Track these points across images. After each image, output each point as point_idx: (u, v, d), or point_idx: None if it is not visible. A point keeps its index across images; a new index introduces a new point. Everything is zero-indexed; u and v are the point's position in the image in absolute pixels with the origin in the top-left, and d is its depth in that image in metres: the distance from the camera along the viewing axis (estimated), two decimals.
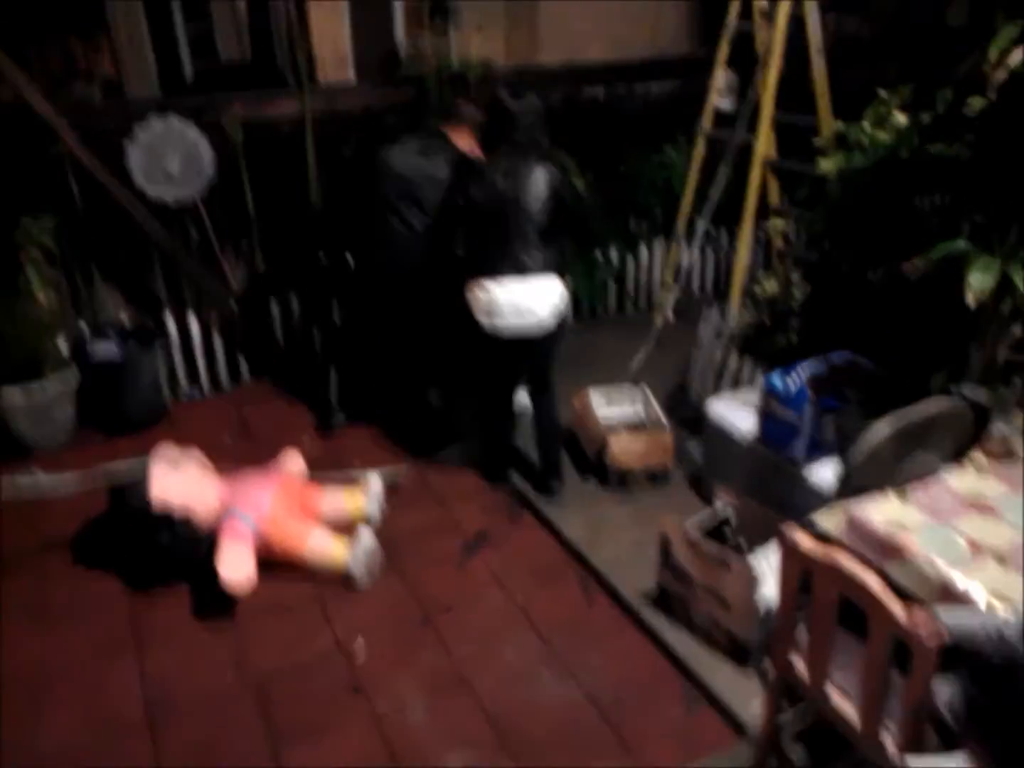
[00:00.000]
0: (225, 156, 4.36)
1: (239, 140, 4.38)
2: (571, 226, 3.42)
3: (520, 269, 3.27)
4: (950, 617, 1.91)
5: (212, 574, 2.99)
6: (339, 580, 3.19)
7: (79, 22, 7.99)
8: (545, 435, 3.66)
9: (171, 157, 4.23)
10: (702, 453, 3.64)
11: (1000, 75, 2.68)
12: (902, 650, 1.93)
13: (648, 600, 3.04)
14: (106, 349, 4.18)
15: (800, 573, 2.17)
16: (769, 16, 4.56)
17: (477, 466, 3.88)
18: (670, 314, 4.82)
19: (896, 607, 1.89)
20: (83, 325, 4.31)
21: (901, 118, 3.39)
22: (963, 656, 1.90)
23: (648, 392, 3.98)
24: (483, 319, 3.33)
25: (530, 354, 3.45)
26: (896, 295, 3.31)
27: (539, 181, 3.26)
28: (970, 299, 2.56)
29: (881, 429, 2.43)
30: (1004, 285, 2.68)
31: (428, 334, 3.95)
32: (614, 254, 5.25)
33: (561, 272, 3.40)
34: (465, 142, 3.72)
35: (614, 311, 5.44)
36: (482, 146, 3.35)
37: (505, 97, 3.27)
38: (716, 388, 4.01)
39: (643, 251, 5.37)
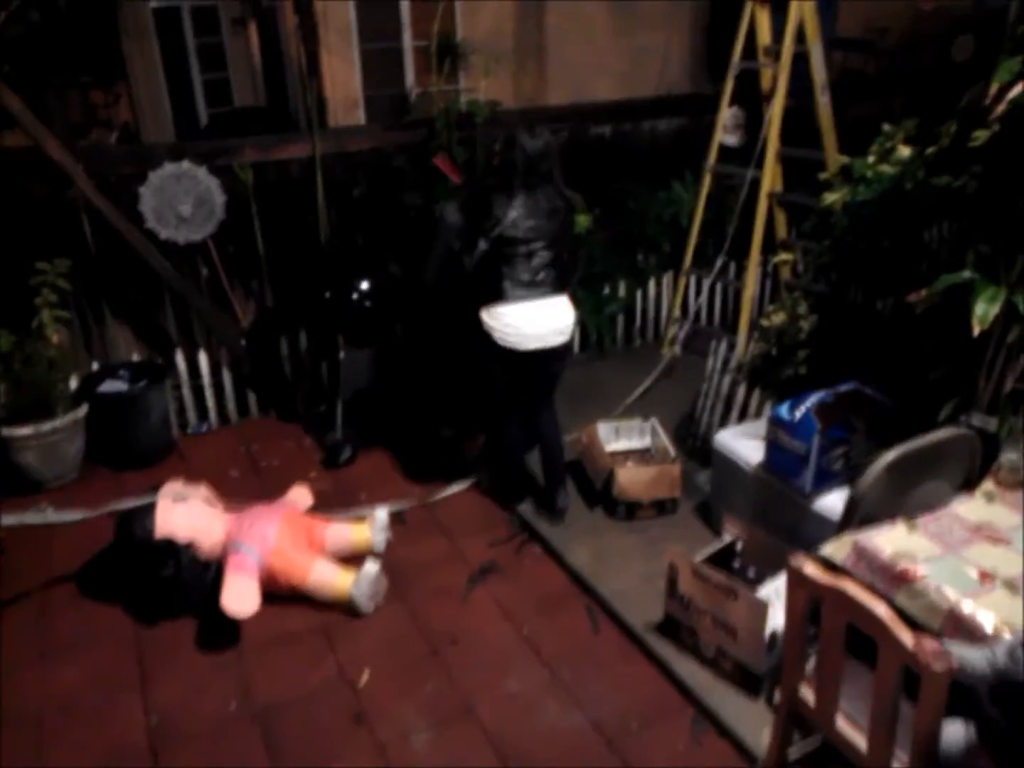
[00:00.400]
0: (236, 197, 4.43)
1: (249, 182, 4.46)
2: (571, 255, 3.61)
3: (539, 293, 3.41)
4: (957, 649, 1.88)
5: (217, 606, 2.98)
6: (343, 611, 3.18)
7: (99, 72, 8.23)
8: (551, 453, 3.70)
9: (183, 200, 4.31)
10: (710, 484, 3.62)
11: (1000, 108, 2.70)
12: (911, 678, 1.91)
13: (655, 629, 3.01)
14: (116, 386, 4.23)
15: (807, 601, 2.15)
16: (773, 55, 4.64)
17: (493, 492, 3.91)
18: (678, 348, 4.85)
19: (905, 635, 1.86)
20: (94, 363, 4.36)
21: (905, 151, 3.42)
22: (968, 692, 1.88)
23: (657, 425, 3.98)
24: (503, 341, 3.41)
25: (545, 368, 3.55)
26: (904, 326, 3.31)
27: (553, 211, 3.43)
28: (975, 328, 2.56)
29: (887, 457, 2.42)
30: (1010, 314, 2.68)
31: (443, 364, 3.99)
32: (622, 288, 5.28)
33: (570, 290, 3.58)
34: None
35: (622, 344, 5.45)
36: (500, 180, 3.44)
37: (522, 136, 3.41)
38: (724, 420, 4.00)
39: (651, 285, 5.40)
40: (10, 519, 3.41)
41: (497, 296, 3.39)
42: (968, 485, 2.61)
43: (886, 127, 3.54)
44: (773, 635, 2.65)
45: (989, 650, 1.90)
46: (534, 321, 3.38)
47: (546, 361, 3.48)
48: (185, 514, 3.23)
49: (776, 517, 3.13)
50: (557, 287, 3.46)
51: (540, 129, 3.49)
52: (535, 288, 3.40)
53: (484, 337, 3.44)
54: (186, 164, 4.27)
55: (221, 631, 3.08)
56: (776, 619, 2.62)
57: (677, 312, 5.26)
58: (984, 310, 2.50)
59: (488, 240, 3.38)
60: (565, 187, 3.56)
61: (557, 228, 3.45)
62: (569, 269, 3.61)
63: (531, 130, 3.45)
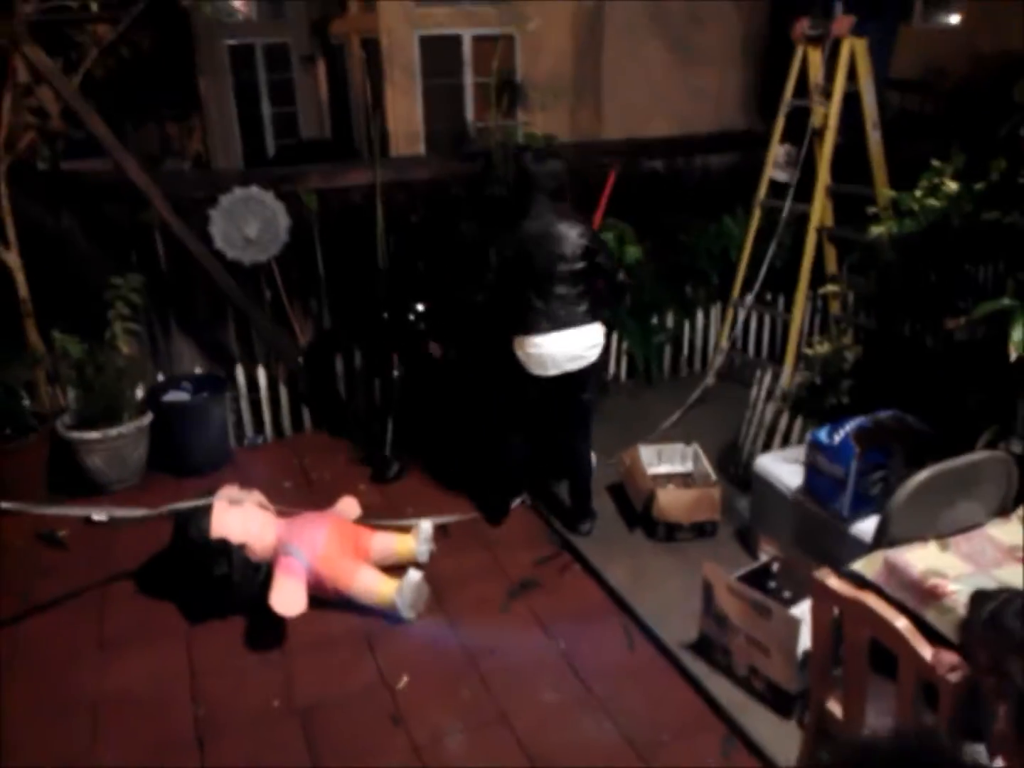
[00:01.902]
0: (300, 222, 4.65)
1: (313, 208, 4.67)
2: (604, 277, 3.56)
3: (562, 324, 3.43)
4: None
5: (266, 606, 3.11)
6: (385, 617, 3.28)
7: (176, 105, 8.66)
8: (580, 473, 3.77)
9: (250, 223, 4.52)
10: (750, 508, 3.65)
11: None
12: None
13: (689, 647, 3.05)
14: (179, 396, 4.44)
15: (832, 614, 2.19)
16: (825, 93, 4.72)
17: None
18: (711, 378, 4.90)
19: (922, 647, 1.89)
20: (160, 374, 4.58)
21: (953, 186, 3.46)
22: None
23: (699, 450, 4.02)
24: (532, 370, 3.49)
25: (568, 393, 3.59)
26: (945, 356, 3.34)
27: (567, 237, 3.40)
28: (1012, 353, 2.58)
29: (921, 475, 2.45)
30: None
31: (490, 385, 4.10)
32: (670, 318, 5.36)
33: (601, 317, 3.57)
34: None
35: (669, 373, 5.51)
36: (511, 209, 3.53)
37: (528, 162, 3.45)
38: (767, 448, 4.03)
39: (699, 316, 5.47)
40: (77, 511, 3.59)
41: (519, 328, 3.46)
42: (1004, 509, 2.61)
43: (935, 163, 3.59)
44: (806, 655, 2.67)
45: None
46: (552, 349, 3.43)
47: (567, 386, 3.54)
48: (239, 517, 3.37)
49: (814, 541, 3.16)
50: (582, 316, 3.46)
51: (544, 154, 3.56)
52: (555, 320, 3.41)
53: (511, 360, 3.54)
54: (254, 189, 4.49)
55: (268, 630, 3.20)
56: (809, 639, 2.65)
57: (724, 343, 5.31)
58: (1022, 336, 2.53)
59: (496, 269, 3.45)
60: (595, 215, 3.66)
61: (579, 251, 3.41)
62: (607, 293, 3.63)
63: (537, 154, 3.52)
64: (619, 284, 3.67)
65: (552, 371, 3.48)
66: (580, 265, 3.42)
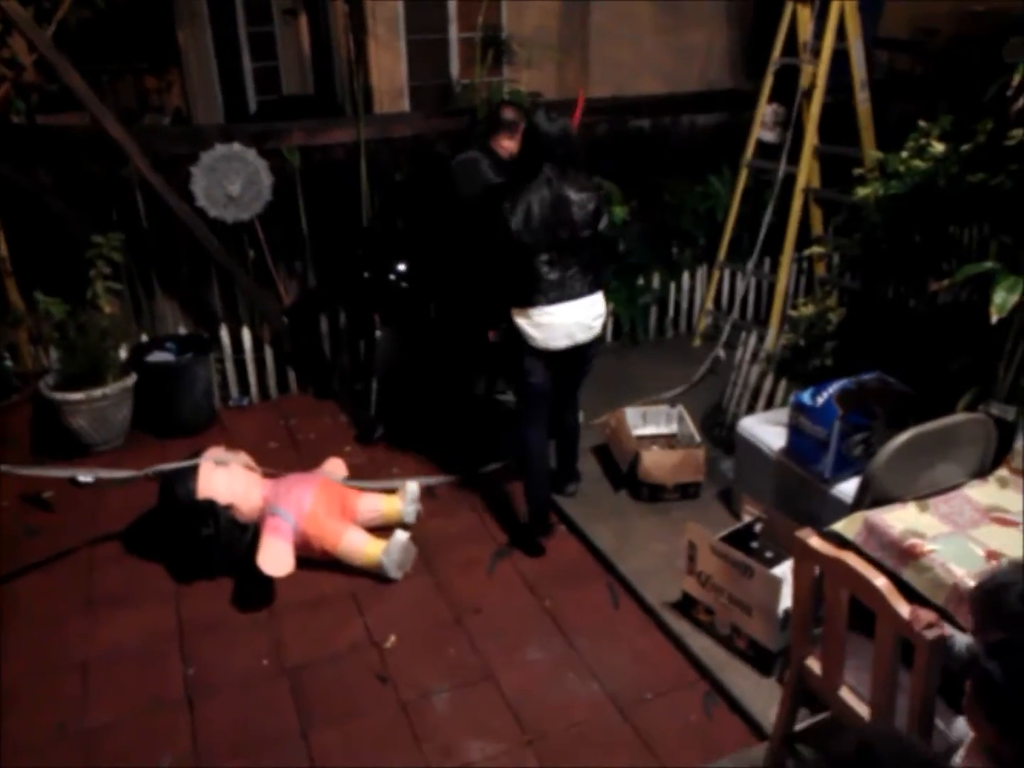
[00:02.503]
0: (283, 179, 4.58)
1: (297, 165, 4.60)
2: (604, 245, 3.41)
3: (572, 294, 3.27)
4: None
5: (253, 567, 3.12)
6: (373, 577, 3.31)
7: (153, 58, 8.46)
8: (568, 438, 3.73)
9: (233, 180, 4.46)
10: (734, 469, 3.69)
11: (1021, 102, 2.74)
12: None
13: (673, 607, 3.10)
14: (163, 357, 4.41)
15: (813, 573, 2.23)
16: (813, 52, 4.68)
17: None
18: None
19: (901, 605, 1.93)
20: (143, 335, 4.54)
21: (939, 147, 3.45)
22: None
23: (684, 411, 4.05)
24: (537, 342, 3.28)
25: (573, 364, 3.45)
26: (928, 318, 3.36)
27: (579, 203, 3.22)
28: (993, 315, 2.61)
29: (902, 437, 2.48)
30: None
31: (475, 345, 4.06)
32: (656, 280, 5.35)
33: (602, 285, 3.43)
34: (505, 147, 3.85)
35: (654, 334, 5.52)
36: (520, 171, 3.27)
37: (540, 120, 3.21)
38: (751, 410, 4.06)
39: (685, 277, 5.46)
40: (62, 472, 3.58)
41: (525, 299, 3.25)
42: (982, 471, 2.66)
43: (922, 123, 3.57)
44: (787, 614, 2.72)
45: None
46: (563, 319, 3.26)
47: (574, 357, 3.39)
48: (226, 478, 3.37)
49: (796, 502, 3.20)
50: (590, 286, 3.31)
51: (556, 114, 3.28)
52: (565, 289, 3.24)
53: (514, 334, 3.33)
54: (236, 146, 4.42)
55: (256, 591, 3.23)
56: (790, 598, 2.70)
57: (710, 305, 5.31)
58: (1003, 299, 2.55)
59: (503, 235, 3.19)
60: (592, 176, 3.47)
61: (588, 218, 3.24)
62: (603, 262, 3.49)
63: (547, 113, 3.26)
64: (617, 252, 3.58)
65: (563, 343, 3.29)
66: (587, 232, 3.25)
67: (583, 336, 3.32)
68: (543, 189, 3.18)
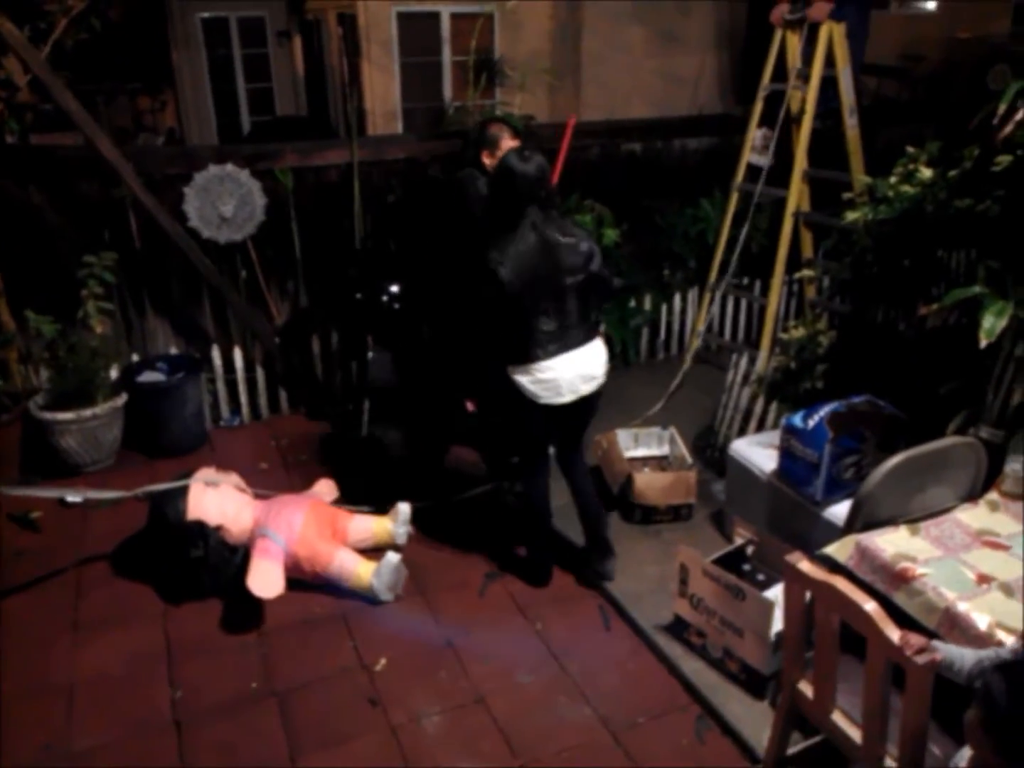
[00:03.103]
0: (276, 200, 4.60)
1: (290, 186, 4.62)
2: (600, 284, 3.16)
3: (573, 344, 3.05)
4: (945, 648, 1.95)
5: (243, 589, 3.10)
6: (363, 599, 3.30)
7: (148, 79, 8.52)
8: (586, 500, 3.41)
9: (226, 201, 4.47)
10: (725, 491, 3.70)
11: (1008, 129, 2.78)
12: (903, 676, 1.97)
13: (665, 629, 3.09)
14: (154, 377, 4.40)
15: (804, 597, 2.23)
16: (802, 77, 4.74)
17: (525, 571, 3.51)
18: (688, 359, 4.94)
19: (891, 630, 1.94)
20: (134, 354, 4.53)
21: (928, 172, 3.50)
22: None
23: (675, 434, 4.06)
24: (540, 399, 3.06)
25: (578, 416, 3.24)
26: (918, 342, 3.38)
27: (571, 248, 3.00)
28: (982, 340, 2.63)
29: (893, 460, 2.49)
30: (1019, 329, 2.75)
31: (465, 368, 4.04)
32: (647, 301, 5.38)
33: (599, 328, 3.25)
34: (489, 166, 3.73)
35: (646, 356, 5.54)
36: (499, 219, 2.99)
37: (513, 162, 2.94)
38: (742, 431, 4.07)
39: (676, 299, 5.49)
40: (51, 493, 3.56)
41: (523, 355, 3.01)
42: (972, 495, 2.67)
43: (910, 149, 3.62)
44: (779, 637, 2.72)
45: (992, 651, 1.95)
46: (565, 373, 3.02)
47: (579, 408, 3.16)
48: (216, 499, 3.36)
49: (787, 524, 3.20)
50: (588, 333, 3.11)
51: (529, 152, 3.00)
52: (565, 340, 3.02)
53: (512, 390, 3.07)
54: (230, 167, 4.44)
55: (246, 613, 3.21)
56: (783, 622, 2.69)
57: (701, 327, 5.34)
58: (991, 324, 2.57)
59: (494, 289, 2.91)
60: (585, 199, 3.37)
61: (581, 261, 3.01)
62: (600, 302, 3.28)
63: (520, 153, 2.99)
64: (612, 290, 3.40)
65: (567, 397, 3.06)
66: (581, 277, 3.02)
67: (587, 388, 3.11)
68: (529, 235, 2.92)
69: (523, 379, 3.04)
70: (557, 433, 3.31)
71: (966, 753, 1.77)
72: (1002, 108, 2.79)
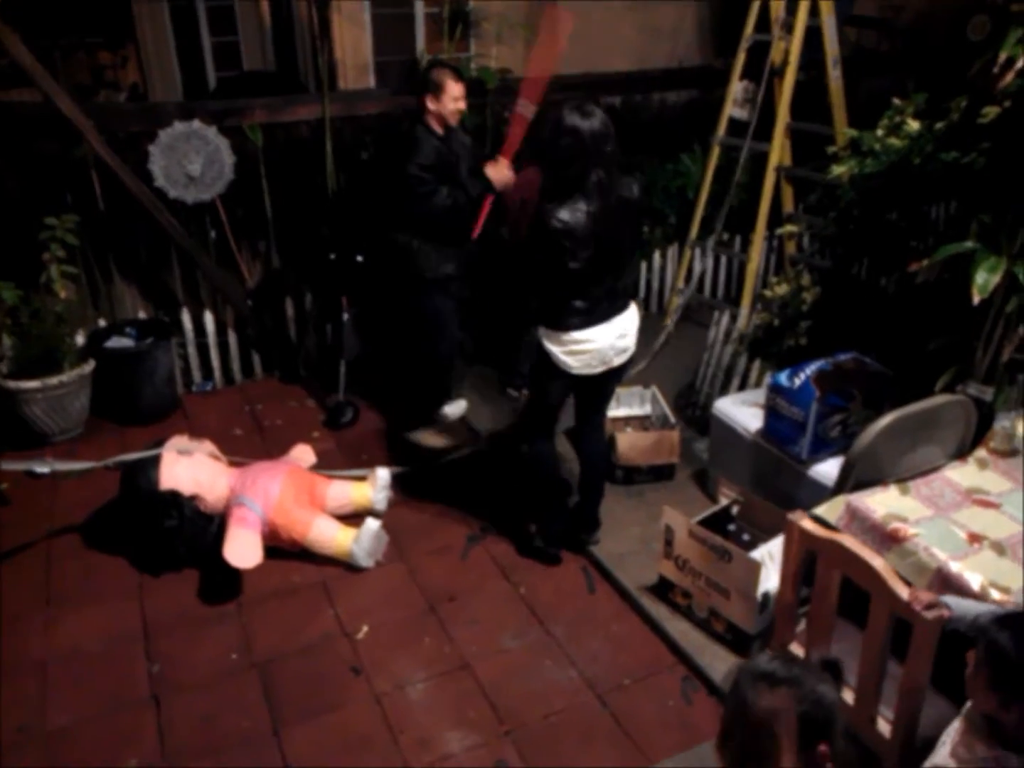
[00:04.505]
0: (245, 158, 4.44)
1: (259, 143, 4.46)
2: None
3: (614, 312, 2.89)
4: (953, 600, 1.92)
5: (220, 559, 3.03)
6: (343, 567, 3.24)
7: (108, 32, 8.19)
8: (596, 473, 3.30)
9: (193, 159, 4.30)
10: (708, 451, 3.66)
11: (1008, 79, 2.71)
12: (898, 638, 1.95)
13: (649, 590, 3.06)
14: (122, 343, 4.27)
15: (803, 557, 2.19)
16: (786, 27, 4.62)
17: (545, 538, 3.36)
18: (672, 320, 4.87)
19: (899, 586, 1.91)
20: (101, 320, 4.39)
21: (914, 125, 3.42)
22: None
23: (657, 393, 4.00)
24: (571, 370, 2.91)
25: (604, 387, 3.12)
26: (905, 298, 3.33)
27: (627, 210, 2.83)
28: (975, 297, 2.58)
29: (883, 420, 2.45)
30: (1010, 285, 2.70)
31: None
32: None
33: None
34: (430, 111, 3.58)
35: None
36: (558, 181, 2.74)
37: (574, 119, 2.66)
38: (724, 390, 4.03)
39: (656, 256, 5.41)
40: (17, 465, 3.45)
41: (562, 322, 2.84)
42: (962, 452, 2.64)
43: (896, 101, 3.54)
44: (765, 597, 2.70)
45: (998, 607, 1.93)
46: (600, 344, 2.87)
47: (607, 380, 3.04)
48: (189, 467, 3.27)
49: (772, 483, 3.17)
50: (626, 300, 2.95)
51: (590, 106, 2.71)
52: (606, 308, 2.86)
53: (542, 356, 2.93)
54: (196, 123, 4.27)
55: (223, 583, 3.14)
56: (768, 581, 2.67)
57: (681, 284, 5.27)
58: (984, 279, 2.52)
59: (554, 253, 2.72)
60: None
61: (633, 230, 2.87)
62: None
63: (581, 108, 2.69)
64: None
65: (598, 369, 2.92)
66: (632, 245, 2.89)
67: (619, 360, 2.96)
68: (595, 197, 2.69)
69: (556, 349, 2.87)
70: (578, 405, 3.19)
71: (948, 740, 1.74)
72: (1003, 56, 2.71)
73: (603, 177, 2.70)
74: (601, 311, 2.85)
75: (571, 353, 2.87)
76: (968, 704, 1.69)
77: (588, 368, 2.91)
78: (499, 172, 3.64)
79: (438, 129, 3.68)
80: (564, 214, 2.67)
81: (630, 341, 2.98)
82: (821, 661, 1.56)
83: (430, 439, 4.04)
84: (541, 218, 2.71)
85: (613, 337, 2.89)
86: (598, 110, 2.71)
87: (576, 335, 2.83)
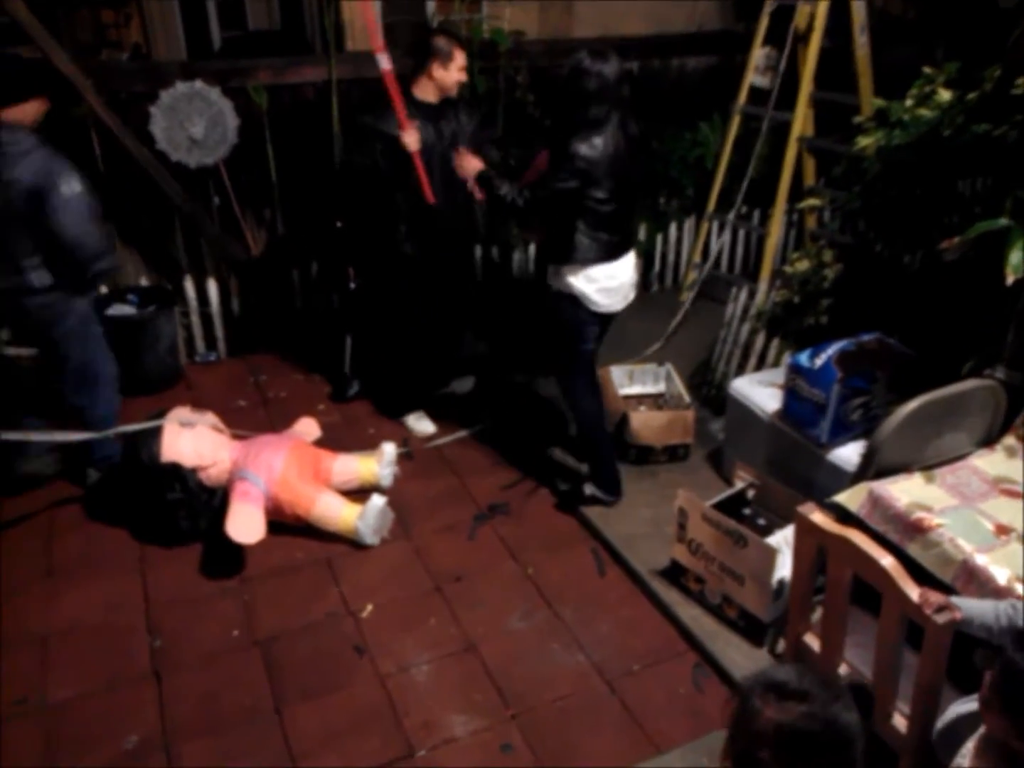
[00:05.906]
0: (250, 121, 4.32)
1: (264, 105, 4.34)
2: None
3: (630, 246, 3.10)
4: (965, 603, 1.85)
5: (222, 533, 2.97)
6: (348, 543, 3.18)
7: None
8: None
9: (195, 121, 4.19)
10: (723, 431, 3.57)
11: None
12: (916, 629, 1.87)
13: (661, 574, 3.00)
14: (124, 310, 4.18)
15: (815, 549, 2.11)
16: None
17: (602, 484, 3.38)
18: (689, 297, 4.76)
19: (909, 587, 1.83)
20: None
21: (946, 95, 3.28)
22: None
23: (672, 370, 3.91)
24: (595, 306, 3.04)
25: (610, 324, 3.26)
26: (932, 277, 3.22)
27: (637, 149, 3.01)
28: (1008, 277, 2.46)
29: (909, 406, 2.35)
30: None
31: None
32: (642, 231, 5.15)
33: None
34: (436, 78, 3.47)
35: (639, 289, 5.34)
36: (573, 119, 2.87)
37: (590, 65, 2.79)
38: (741, 368, 3.93)
39: (672, 229, 5.28)
40: (15, 436, 3.39)
41: (590, 254, 2.96)
42: (989, 440, 2.55)
43: (927, 70, 3.40)
44: (780, 584, 2.63)
45: (1008, 604, 1.84)
46: (623, 279, 3.06)
47: (614, 320, 3.22)
48: (192, 440, 3.20)
49: (790, 467, 3.09)
50: (634, 237, 3.17)
51: (607, 50, 2.89)
52: (619, 242, 3.02)
53: (565, 299, 3.03)
54: (199, 84, 4.14)
55: (225, 558, 3.08)
56: (784, 568, 2.60)
57: (697, 258, 5.14)
58: (1019, 259, 2.41)
59: (579, 188, 2.85)
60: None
61: (640, 166, 3.05)
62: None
63: (601, 53, 2.84)
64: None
65: (619, 305, 3.12)
66: (640, 183, 3.12)
67: (632, 295, 3.16)
68: (618, 134, 2.88)
69: (584, 286, 3.00)
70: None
71: (967, 752, 1.66)
72: None
73: (622, 115, 2.90)
74: (621, 245, 3.03)
75: (602, 291, 3.01)
76: (982, 729, 1.59)
77: (614, 306, 3.09)
78: (409, 135, 3.44)
79: (431, 99, 3.53)
80: (588, 149, 2.82)
81: (636, 276, 3.20)
82: (850, 684, 1.47)
83: (419, 425, 3.94)
84: (567, 153, 2.82)
85: (631, 271, 3.10)
86: (613, 53, 2.89)
87: (605, 269, 2.99)
